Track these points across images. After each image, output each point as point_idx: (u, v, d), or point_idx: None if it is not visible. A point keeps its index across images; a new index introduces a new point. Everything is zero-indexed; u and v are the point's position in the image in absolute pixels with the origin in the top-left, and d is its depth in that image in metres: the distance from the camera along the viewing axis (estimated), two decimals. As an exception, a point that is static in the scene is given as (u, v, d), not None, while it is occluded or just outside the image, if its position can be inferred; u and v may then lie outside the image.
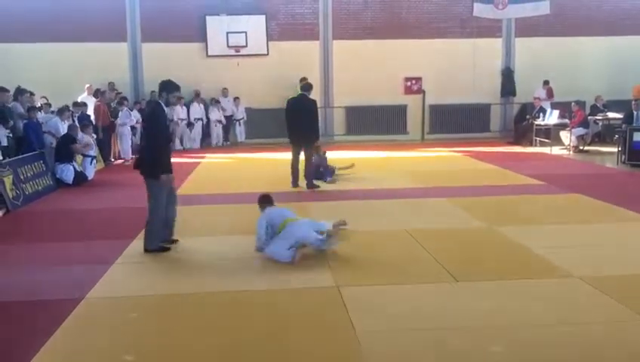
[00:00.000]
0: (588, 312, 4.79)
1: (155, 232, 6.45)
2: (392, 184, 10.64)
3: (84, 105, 13.68)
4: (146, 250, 6.46)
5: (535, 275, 5.63)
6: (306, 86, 10.31)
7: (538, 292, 5.22)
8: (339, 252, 6.33)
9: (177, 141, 16.88)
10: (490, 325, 4.53)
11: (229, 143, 17.82)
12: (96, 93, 14.76)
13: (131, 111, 15.17)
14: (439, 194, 9.55)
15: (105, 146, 13.78)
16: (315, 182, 10.37)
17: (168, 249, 6.53)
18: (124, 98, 15.52)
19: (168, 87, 6.51)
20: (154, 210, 6.43)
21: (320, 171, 10.88)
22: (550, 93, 17.32)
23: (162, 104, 6.47)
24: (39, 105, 13.43)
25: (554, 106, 16.19)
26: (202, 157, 14.76)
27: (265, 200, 6.71)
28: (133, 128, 15.61)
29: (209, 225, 7.78)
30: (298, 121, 10.07)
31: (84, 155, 11.75)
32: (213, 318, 4.74)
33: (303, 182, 10.29)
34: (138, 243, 6.82)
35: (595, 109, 16.51)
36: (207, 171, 12.84)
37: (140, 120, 16.53)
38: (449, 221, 7.88)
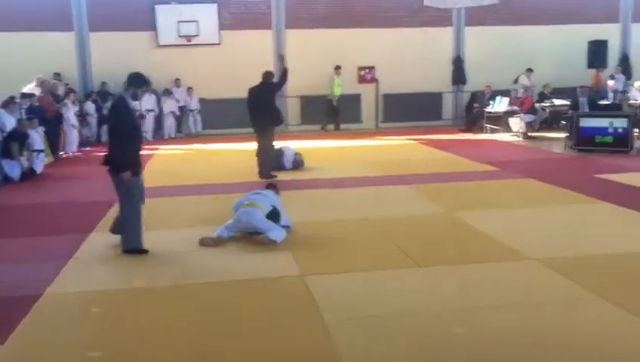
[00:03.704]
0: (545, 293, 4.93)
1: (134, 231, 6.06)
2: (350, 173, 10.71)
3: (33, 95, 13.23)
4: (125, 251, 6.07)
5: (493, 259, 5.77)
6: (265, 74, 10.34)
7: (497, 275, 5.36)
8: (301, 241, 6.35)
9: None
10: (453, 308, 4.63)
11: (182, 135, 17.56)
12: (42, 85, 14.28)
13: (82, 103, 14.79)
14: (397, 182, 9.66)
15: (53, 139, 13.34)
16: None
17: (147, 251, 6.09)
18: (71, 90, 15.07)
19: (137, 80, 6.14)
20: (129, 207, 6.05)
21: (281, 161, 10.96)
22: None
23: (126, 98, 6.09)
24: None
25: (503, 94, 16.52)
26: (156, 149, 14.49)
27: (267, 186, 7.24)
28: (82, 121, 15.25)
29: (168, 218, 7.66)
30: (256, 110, 10.11)
31: (33, 150, 11.36)
32: (175, 312, 4.66)
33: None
34: (95, 237, 6.68)
35: (542, 96, 16.98)
36: (162, 163, 12.61)
37: (92, 112, 16.19)
38: (408, 208, 7.98)
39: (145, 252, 6.07)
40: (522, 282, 5.19)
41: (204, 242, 6.29)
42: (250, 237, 6.41)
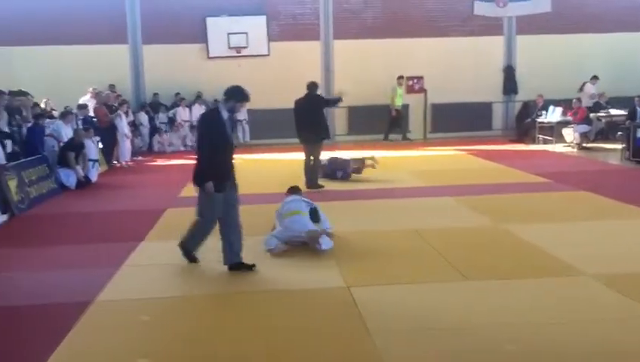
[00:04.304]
0: (601, 310, 4.76)
1: (196, 239, 6.04)
2: (397, 183, 10.62)
3: (87, 107, 13.69)
4: (182, 246, 6.07)
5: (545, 273, 5.62)
6: (310, 85, 10.36)
7: (548, 290, 5.21)
8: (347, 252, 6.33)
9: (180, 142, 17.06)
10: (503, 323, 4.51)
11: (231, 144, 17.77)
12: (97, 96, 14.73)
13: (135, 114, 15.36)
14: (445, 193, 9.52)
15: (107, 149, 13.73)
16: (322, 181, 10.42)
17: (196, 260, 6.10)
18: (125, 101, 15.50)
19: (239, 95, 5.92)
20: (201, 219, 5.98)
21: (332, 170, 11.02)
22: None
23: (221, 110, 5.87)
24: (43, 107, 13.46)
25: (556, 103, 16.12)
26: (205, 159, 14.69)
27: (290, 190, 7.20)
28: (134, 131, 15.65)
29: (215, 228, 7.73)
30: (302, 121, 10.14)
31: (88, 159, 11.73)
32: (224, 320, 4.72)
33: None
34: (146, 245, 6.84)
35: (597, 106, 16.48)
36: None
37: (145, 123, 16.63)
38: (457, 219, 7.86)
39: (195, 260, 6.11)
40: (575, 298, 5.02)
41: (275, 252, 6.30)
42: (296, 246, 6.43)
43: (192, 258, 6.12)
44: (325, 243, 6.30)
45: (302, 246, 6.41)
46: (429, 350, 4.12)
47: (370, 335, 4.30)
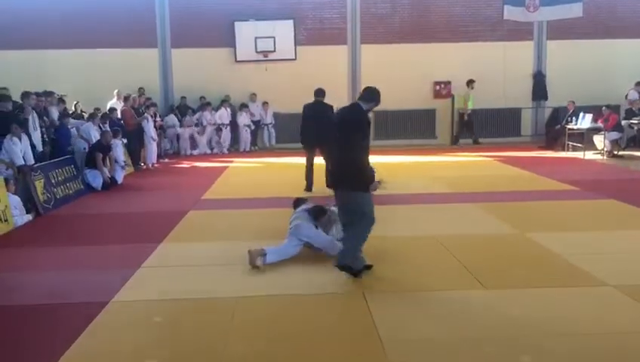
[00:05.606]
0: (622, 322, 4.62)
1: (356, 250, 5.64)
2: (421, 189, 10.52)
3: (116, 110, 13.91)
4: (344, 267, 5.57)
5: (567, 283, 5.48)
6: (318, 92, 10.35)
7: (570, 300, 5.07)
8: (365, 257, 6.26)
9: (207, 145, 17.18)
10: (520, 334, 4.40)
11: (257, 148, 17.86)
12: (125, 99, 14.92)
13: (164, 117, 15.57)
14: (469, 200, 9.38)
15: (134, 151, 13.90)
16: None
17: (371, 266, 5.73)
18: (153, 104, 15.68)
19: (379, 98, 5.80)
20: (365, 224, 5.58)
21: None
22: None
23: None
24: (73, 109, 13.70)
25: (586, 110, 15.79)
26: (230, 162, 14.81)
27: (296, 203, 6.98)
28: (161, 133, 15.83)
29: (236, 230, 7.77)
30: (313, 126, 10.18)
31: (116, 161, 11.89)
32: (237, 323, 4.70)
33: (317, 187, 10.19)
34: (165, 247, 6.86)
35: (630, 113, 16.10)
36: (235, 176, 12.87)
37: (175, 124, 16.79)
38: (479, 227, 7.73)
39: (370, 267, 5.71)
40: (596, 309, 4.88)
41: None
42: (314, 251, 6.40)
43: (368, 266, 5.74)
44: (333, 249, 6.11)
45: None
46: (441, 361, 4.04)
47: (382, 345, 4.23)
